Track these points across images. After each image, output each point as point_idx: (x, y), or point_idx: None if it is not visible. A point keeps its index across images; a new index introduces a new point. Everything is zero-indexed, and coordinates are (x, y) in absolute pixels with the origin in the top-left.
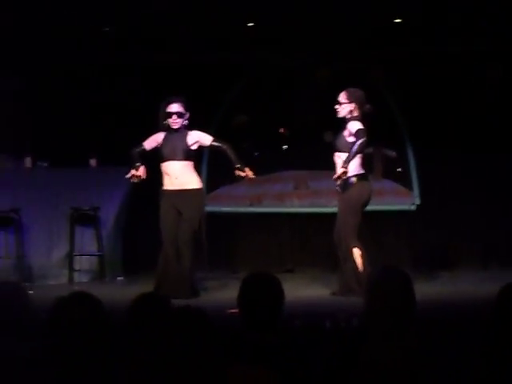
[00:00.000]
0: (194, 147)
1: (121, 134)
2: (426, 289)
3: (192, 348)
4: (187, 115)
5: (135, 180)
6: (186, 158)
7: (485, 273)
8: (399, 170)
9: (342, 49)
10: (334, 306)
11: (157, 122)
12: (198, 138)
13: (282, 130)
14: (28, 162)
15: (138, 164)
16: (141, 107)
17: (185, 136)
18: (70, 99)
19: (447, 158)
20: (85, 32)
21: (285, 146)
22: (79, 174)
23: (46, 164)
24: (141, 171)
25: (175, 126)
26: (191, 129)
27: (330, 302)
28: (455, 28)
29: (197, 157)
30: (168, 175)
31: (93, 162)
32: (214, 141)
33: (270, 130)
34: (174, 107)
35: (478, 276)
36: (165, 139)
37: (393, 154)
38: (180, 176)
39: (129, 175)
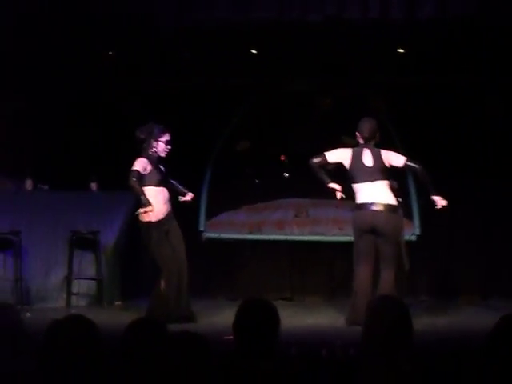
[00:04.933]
0: None
1: (122, 158)
2: (424, 319)
3: (186, 374)
4: None
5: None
6: None
7: (484, 303)
8: (400, 199)
9: (343, 76)
10: (332, 335)
11: (141, 147)
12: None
13: (283, 158)
14: (29, 184)
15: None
16: None
17: (162, 162)
18: (72, 123)
19: (448, 187)
20: (88, 55)
21: (286, 174)
22: (80, 198)
23: (46, 187)
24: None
25: (165, 155)
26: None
27: (328, 331)
28: (456, 58)
29: None
30: (163, 200)
31: (93, 185)
32: None
33: (272, 157)
34: (168, 135)
35: (478, 306)
36: (153, 165)
37: (394, 183)
38: (169, 200)
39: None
